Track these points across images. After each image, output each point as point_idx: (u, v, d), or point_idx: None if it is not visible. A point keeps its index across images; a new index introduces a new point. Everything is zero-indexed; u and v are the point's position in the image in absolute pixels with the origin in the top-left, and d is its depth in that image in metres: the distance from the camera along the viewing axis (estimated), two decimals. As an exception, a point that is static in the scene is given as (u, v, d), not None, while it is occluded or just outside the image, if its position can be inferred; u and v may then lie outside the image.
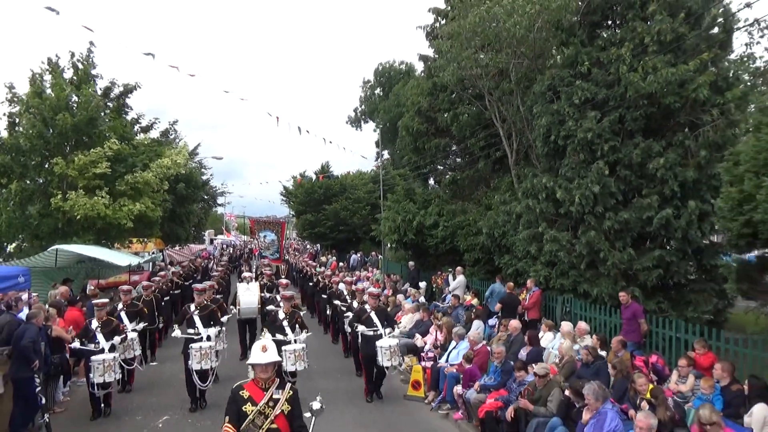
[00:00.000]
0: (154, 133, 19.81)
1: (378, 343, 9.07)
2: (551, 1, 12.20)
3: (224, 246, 49.10)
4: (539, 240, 11.87)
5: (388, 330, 9.37)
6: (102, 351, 8.40)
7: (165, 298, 13.60)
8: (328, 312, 14.37)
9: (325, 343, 13.93)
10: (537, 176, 12.28)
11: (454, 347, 9.74)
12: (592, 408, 5.29)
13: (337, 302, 12.59)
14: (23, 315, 8.27)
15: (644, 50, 10.92)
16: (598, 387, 5.37)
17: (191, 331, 8.88)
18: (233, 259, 34.83)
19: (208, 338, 8.84)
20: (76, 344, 8.46)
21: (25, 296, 8.97)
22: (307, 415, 4.32)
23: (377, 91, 47.37)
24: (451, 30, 14.59)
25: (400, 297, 14.29)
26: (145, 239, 20.46)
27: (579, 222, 11.18)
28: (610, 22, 12.27)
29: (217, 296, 11.53)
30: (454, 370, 8.82)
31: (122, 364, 9.04)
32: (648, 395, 6.02)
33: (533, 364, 7.67)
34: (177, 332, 9.08)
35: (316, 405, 4.30)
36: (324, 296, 15.04)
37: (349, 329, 11.20)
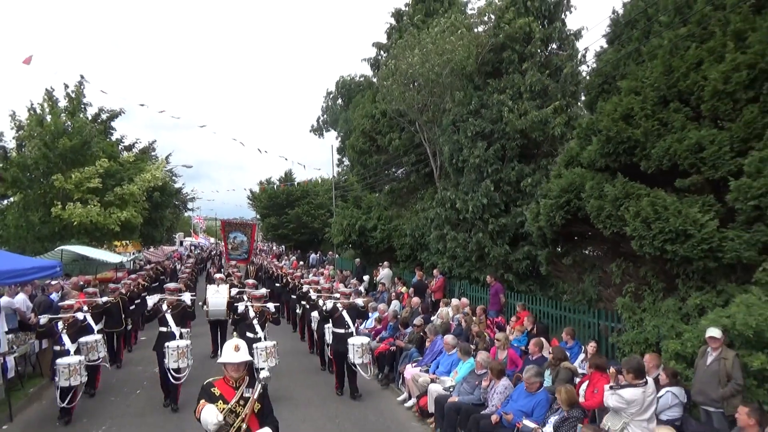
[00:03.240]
0: (136, 148, 22.76)
1: (350, 341, 9.29)
2: (455, 53, 15.79)
3: (192, 248, 51.73)
4: (444, 239, 15.46)
5: (357, 328, 9.97)
6: (68, 353, 8.41)
7: (136, 301, 13.59)
8: (297, 311, 15.04)
9: (295, 341, 14.74)
10: (445, 190, 15.89)
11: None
12: (431, 339, 8.85)
13: (304, 302, 13.19)
14: (54, 296, 11.36)
15: (520, 96, 14.60)
16: (433, 326, 8.94)
17: (163, 329, 8.97)
18: (200, 261, 35.65)
19: (181, 336, 8.97)
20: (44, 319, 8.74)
21: (55, 282, 12.00)
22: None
23: (338, 101, 50.84)
24: (386, 71, 18.10)
25: (340, 286, 17.66)
26: (127, 242, 23.39)
27: (472, 225, 14.74)
28: (496, 73, 15.92)
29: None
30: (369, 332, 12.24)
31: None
32: (475, 335, 9.62)
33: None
34: (152, 301, 9.33)
35: (264, 373, 4.37)
36: (293, 296, 15.58)
37: (315, 327, 11.88)
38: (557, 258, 10.58)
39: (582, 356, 8.30)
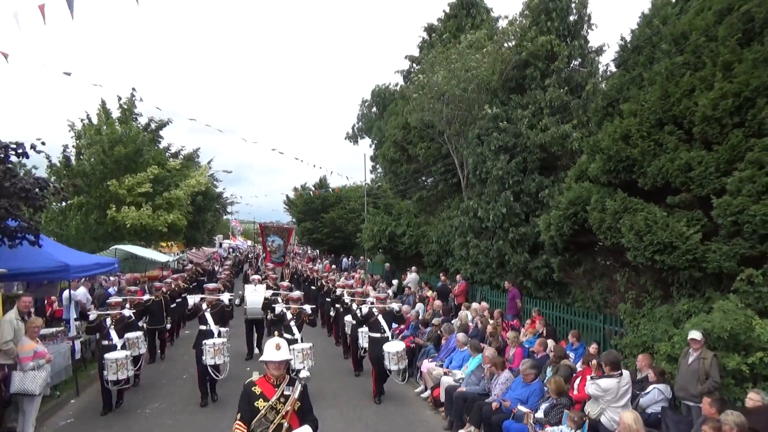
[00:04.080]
0: (181, 155, 24.44)
1: (385, 348, 9.28)
2: (479, 69, 16.64)
3: (230, 249, 53.72)
4: (467, 246, 16.26)
5: (392, 332, 9.84)
6: (115, 347, 8.83)
7: (177, 300, 14.06)
8: (331, 314, 15.34)
9: (329, 345, 14.93)
10: (469, 199, 16.71)
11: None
12: (446, 337, 9.72)
13: (338, 305, 13.47)
14: (111, 290, 12.72)
15: (541, 111, 15.33)
16: (449, 326, 9.81)
17: (203, 327, 9.33)
18: (237, 263, 36.31)
19: (219, 334, 9.30)
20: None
21: (113, 278, 13.40)
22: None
23: (373, 110, 52.13)
24: (415, 85, 19.08)
25: (369, 289, 18.64)
26: (172, 243, 25.02)
27: (493, 234, 15.52)
28: (519, 89, 16.65)
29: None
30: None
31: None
32: (489, 335, 10.43)
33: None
34: (193, 299, 9.83)
35: (304, 373, 4.49)
36: (328, 299, 15.88)
37: (348, 331, 12.08)
38: (569, 266, 11.30)
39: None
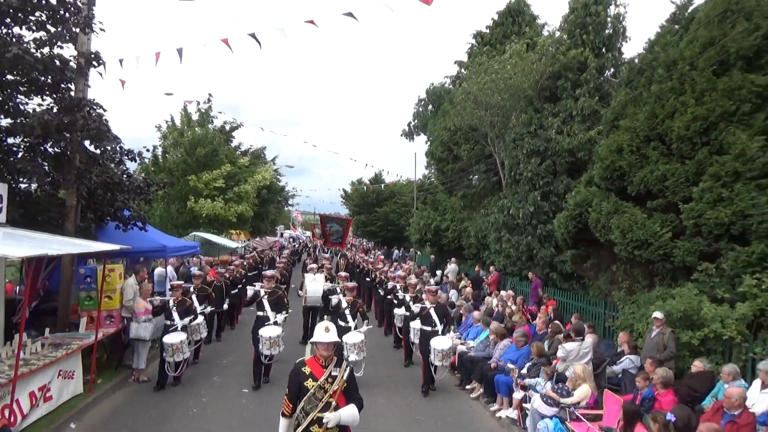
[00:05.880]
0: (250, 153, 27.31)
1: (432, 344, 9.33)
2: (515, 79, 18.16)
3: (290, 239, 57.10)
4: (501, 241, 17.92)
5: (443, 327, 9.77)
6: (176, 328, 9.37)
7: (238, 286, 14.89)
8: (383, 305, 15.56)
9: (379, 335, 14.91)
10: (504, 198, 18.34)
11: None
12: (465, 315, 11.60)
13: (390, 296, 13.63)
14: (194, 269, 15.38)
15: (572, 118, 16.74)
16: (467, 306, 11.66)
17: (260, 313, 9.57)
18: (294, 252, 36.99)
19: (276, 323, 9.49)
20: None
21: (195, 259, 16.09)
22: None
23: (429, 107, 53.88)
24: (460, 92, 20.82)
25: (412, 278, 20.56)
26: (240, 231, 27.98)
27: (524, 230, 17.12)
28: (553, 98, 18.03)
29: (281, 285, 12.06)
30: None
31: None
32: (508, 316, 12.19)
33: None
34: (250, 291, 10.16)
35: (353, 357, 4.68)
36: (381, 291, 16.10)
37: (399, 324, 12.33)
38: (580, 259, 12.87)
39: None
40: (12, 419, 6.31)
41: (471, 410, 9.02)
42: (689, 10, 11.73)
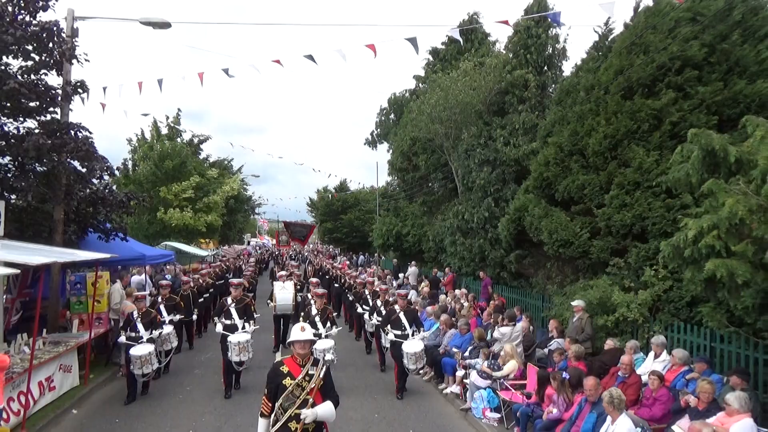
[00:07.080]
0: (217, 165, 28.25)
1: (404, 348, 9.38)
2: (464, 95, 19.75)
3: (257, 247, 57.79)
4: (456, 244, 19.44)
5: (413, 330, 9.75)
6: (140, 339, 9.12)
7: (205, 295, 14.94)
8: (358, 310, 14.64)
9: (350, 340, 15.07)
10: (459, 204, 19.89)
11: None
12: (420, 310, 12.97)
13: (359, 305, 13.65)
14: (168, 276, 16.34)
15: (516, 131, 18.42)
16: (422, 302, 13.03)
17: (228, 321, 9.37)
18: (260, 261, 37.24)
19: (244, 329, 9.36)
20: (122, 339, 9.30)
21: (170, 267, 17.03)
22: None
23: (391, 116, 55.58)
24: (416, 106, 22.33)
25: (377, 281, 21.88)
26: (209, 240, 28.83)
27: (476, 234, 18.68)
28: (500, 112, 19.70)
29: (248, 293, 12.05)
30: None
31: (159, 356, 9.63)
32: (458, 311, 13.63)
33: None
34: (219, 327, 9.48)
35: (329, 356, 4.96)
36: (351, 297, 16.22)
37: (370, 329, 12.50)
38: (522, 259, 14.46)
39: (522, 324, 12.22)
40: (27, 404, 7.36)
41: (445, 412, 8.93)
42: (609, 39, 13.54)
